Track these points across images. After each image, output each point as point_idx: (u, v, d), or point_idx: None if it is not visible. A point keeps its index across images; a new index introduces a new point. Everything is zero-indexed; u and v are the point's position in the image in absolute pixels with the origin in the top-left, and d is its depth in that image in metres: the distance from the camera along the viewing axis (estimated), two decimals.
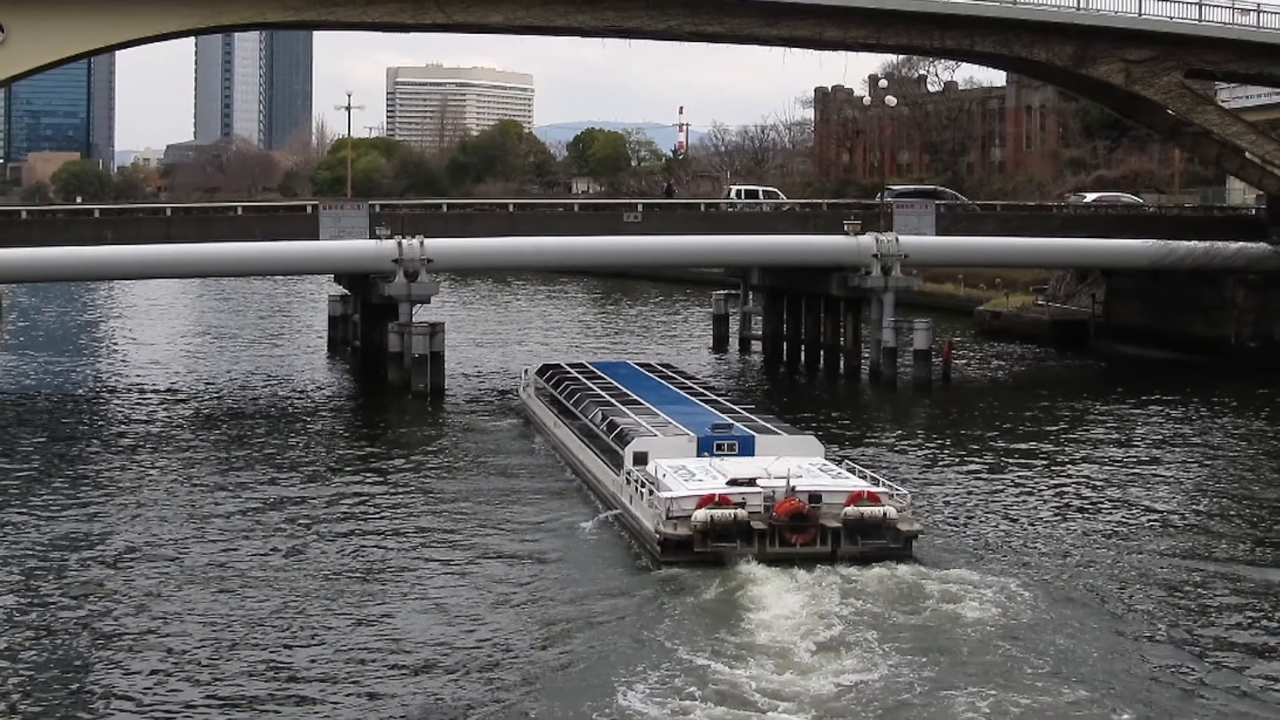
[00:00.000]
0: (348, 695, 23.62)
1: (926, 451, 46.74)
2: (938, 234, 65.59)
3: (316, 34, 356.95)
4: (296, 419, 53.36)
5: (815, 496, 30.90)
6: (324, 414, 55.63)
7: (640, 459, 34.75)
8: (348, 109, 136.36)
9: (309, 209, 64.68)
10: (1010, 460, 44.99)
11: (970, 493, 39.67)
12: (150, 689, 23.84)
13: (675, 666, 24.15)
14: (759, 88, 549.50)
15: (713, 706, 22.50)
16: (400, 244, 58.55)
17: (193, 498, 38.45)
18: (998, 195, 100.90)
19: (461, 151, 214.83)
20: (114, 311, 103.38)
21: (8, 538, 33.65)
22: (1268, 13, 65.39)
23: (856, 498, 30.94)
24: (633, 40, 63.52)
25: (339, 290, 74.89)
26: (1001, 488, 40.47)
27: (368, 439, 50.00)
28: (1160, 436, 49.51)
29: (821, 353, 67.79)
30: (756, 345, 75.36)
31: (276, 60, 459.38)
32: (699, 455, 35.16)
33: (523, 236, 63.72)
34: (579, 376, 47.87)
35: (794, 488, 30.94)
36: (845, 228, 63.88)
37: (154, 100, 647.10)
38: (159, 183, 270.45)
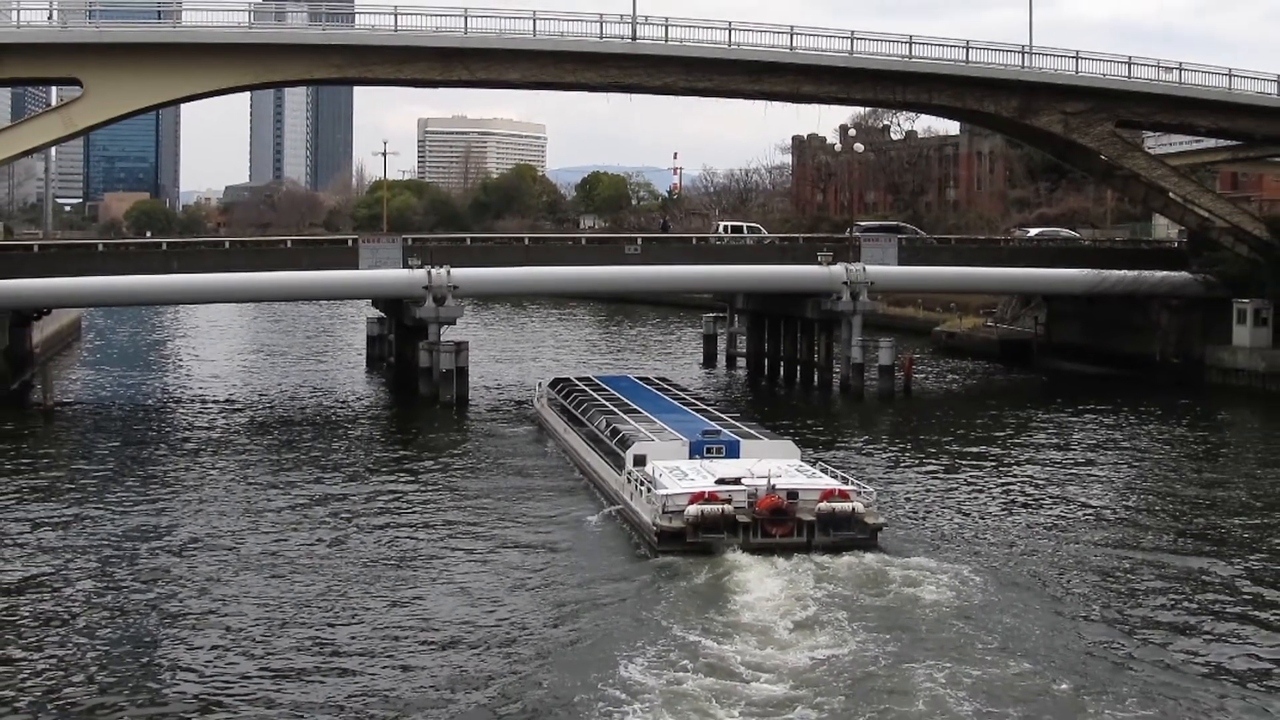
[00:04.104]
0: (384, 668, 23.64)
1: (890, 454, 46.73)
2: (900, 264, 65.80)
3: (356, 89, 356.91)
4: (339, 426, 53.36)
5: (793, 494, 30.88)
6: (363, 421, 55.63)
7: (640, 460, 34.75)
8: (383, 155, 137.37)
9: (350, 242, 64.83)
10: (963, 462, 44.98)
11: (928, 490, 39.64)
12: (211, 662, 23.87)
13: (670, 642, 24.15)
14: (743, 136, 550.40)
15: (703, 677, 22.50)
16: (430, 273, 58.70)
17: (248, 494, 38.48)
18: (952, 230, 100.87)
19: (483, 192, 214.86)
20: (179, 332, 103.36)
21: (86, 530, 33.69)
22: (1189, 70, 65.59)
23: (829, 495, 30.94)
24: (633, 95, 63.73)
25: (376, 313, 75.00)
26: (956, 486, 40.46)
27: (401, 443, 50.01)
28: (1094, 441, 49.51)
29: (798, 368, 67.87)
30: (741, 361, 75.39)
31: (321, 112, 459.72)
32: (691, 457, 35.17)
33: (537, 266, 64.01)
34: (586, 388, 47.85)
35: (774, 486, 30.95)
36: (819, 259, 64.05)
37: (214, 146, 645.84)
38: (219, 219, 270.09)
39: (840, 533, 30.22)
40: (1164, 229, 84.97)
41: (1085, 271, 67.19)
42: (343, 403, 60.66)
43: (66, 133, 58.22)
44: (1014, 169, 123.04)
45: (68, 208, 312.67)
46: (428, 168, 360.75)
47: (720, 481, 31.62)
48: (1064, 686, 22.40)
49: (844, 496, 30.96)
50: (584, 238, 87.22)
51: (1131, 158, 66.33)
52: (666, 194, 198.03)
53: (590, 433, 41.16)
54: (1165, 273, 67.80)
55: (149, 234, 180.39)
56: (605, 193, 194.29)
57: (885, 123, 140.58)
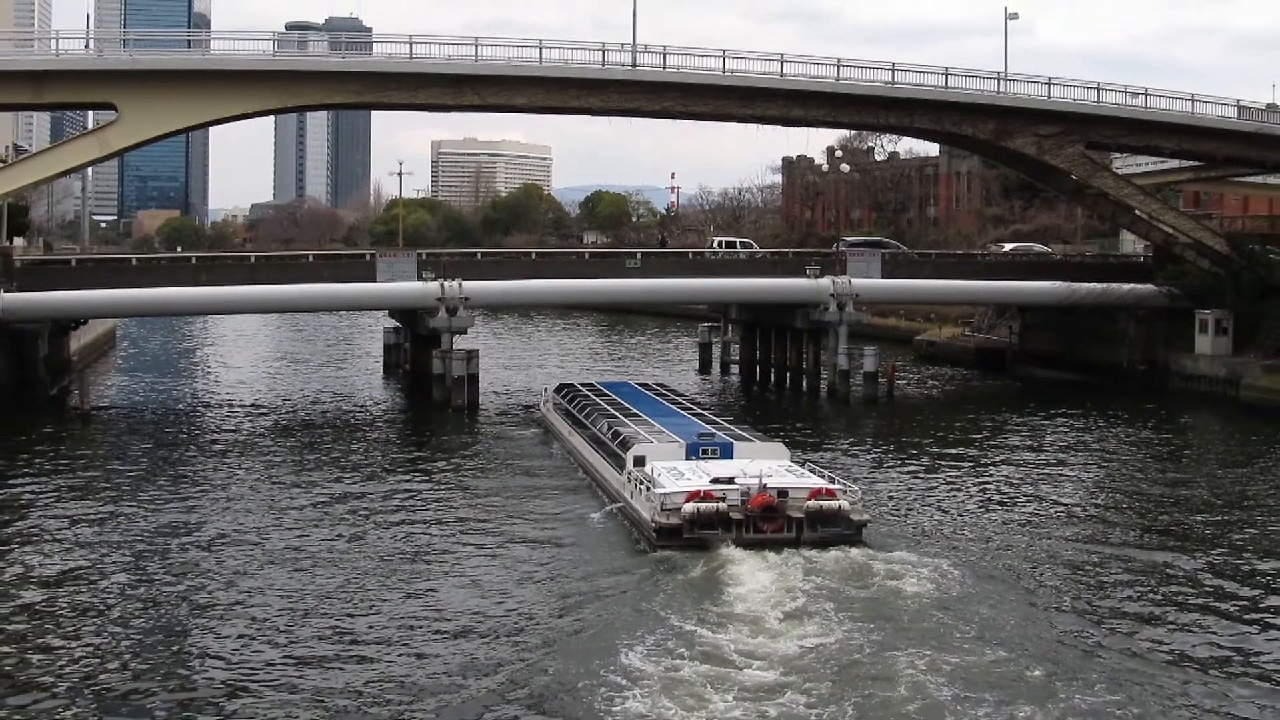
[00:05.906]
0: (399, 655, 23.67)
1: (874, 455, 46.76)
2: (883, 277, 65.85)
3: (374, 113, 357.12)
4: (357, 429, 53.38)
5: (783, 492, 30.94)
6: (380, 425, 55.65)
7: (639, 461, 34.81)
8: (399, 175, 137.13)
9: (368, 257, 64.93)
10: (943, 462, 44.97)
11: (910, 489, 39.67)
12: (237, 650, 23.90)
13: (668, 632, 24.17)
14: (737, 157, 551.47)
15: (699, 664, 22.53)
16: (443, 285, 58.78)
17: (272, 493, 38.51)
18: (932, 245, 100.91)
19: (493, 209, 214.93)
20: (208, 341, 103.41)
21: (120, 526, 33.73)
22: (1154, 96, 65.69)
23: (816, 493, 30.96)
24: (634, 118, 63.78)
25: (392, 323, 75.03)
26: (936, 485, 40.47)
27: (415, 445, 50.03)
28: (1066, 443, 49.54)
29: (787, 374, 67.87)
30: (735, 368, 75.40)
31: (341, 135, 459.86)
32: (688, 458, 35.22)
33: (543, 279, 64.10)
34: (589, 394, 47.89)
35: (765, 485, 31.00)
36: (807, 272, 64.13)
37: (241, 167, 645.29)
38: (245, 235, 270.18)
39: (827, 529, 30.25)
40: (1131, 244, 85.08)
41: (1057, 284, 67.31)
42: (361, 407, 60.68)
43: (102, 154, 58.31)
44: (990, 188, 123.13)
45: (103, 224, 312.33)
46: (440, 187, 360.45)
47: (715, 481, 31.65)
48: (1037, 673, 22.42)
49: (831, 495, 30.97)
50: (587, 252, 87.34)
51: (1100, 177, 66.41)
52: (665, 211, 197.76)
53: (593, 435, 41.21)
54: (1132, 285, 67.88)
55: (179, 249, 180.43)
56: (607, 210, 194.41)
57: (869, 145, 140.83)
